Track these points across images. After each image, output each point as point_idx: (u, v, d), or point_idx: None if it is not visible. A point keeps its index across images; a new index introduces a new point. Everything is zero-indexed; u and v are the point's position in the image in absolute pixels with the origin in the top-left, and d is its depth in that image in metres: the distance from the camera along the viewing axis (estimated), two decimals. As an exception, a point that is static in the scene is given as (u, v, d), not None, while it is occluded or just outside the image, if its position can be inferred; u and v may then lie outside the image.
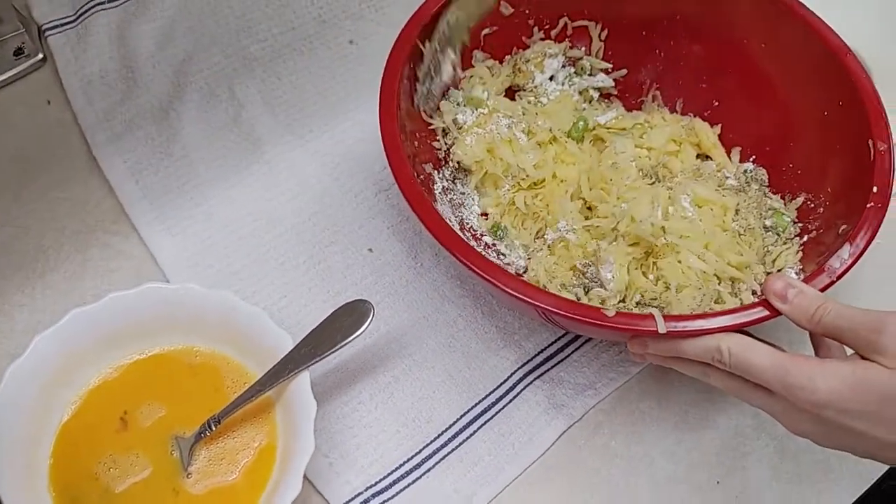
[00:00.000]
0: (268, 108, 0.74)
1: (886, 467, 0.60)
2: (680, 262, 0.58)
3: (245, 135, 0.72)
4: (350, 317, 0.57)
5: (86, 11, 0.74)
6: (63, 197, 0.67)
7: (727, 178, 0.66)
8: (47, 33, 0.73)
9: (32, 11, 0.74)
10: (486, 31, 0.68)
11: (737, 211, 0.63)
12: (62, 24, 0.74)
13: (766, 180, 0.66)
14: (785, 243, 0.61)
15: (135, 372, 0.57)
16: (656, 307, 0.57)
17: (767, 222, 0.63)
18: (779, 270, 0.59)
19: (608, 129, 0.68)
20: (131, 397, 0.56)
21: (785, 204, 0.64)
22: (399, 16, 0.79)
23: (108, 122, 0.70)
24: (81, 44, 0.73)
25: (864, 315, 0.47)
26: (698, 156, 0.68)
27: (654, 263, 0.59)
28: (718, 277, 0.58)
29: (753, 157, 0.68)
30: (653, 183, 0.64)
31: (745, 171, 0.66)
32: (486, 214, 0.66)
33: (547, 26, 0.70)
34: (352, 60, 0.78)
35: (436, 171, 0.65)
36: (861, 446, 0.48)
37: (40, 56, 0.73)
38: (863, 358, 0.47)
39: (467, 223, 0.65)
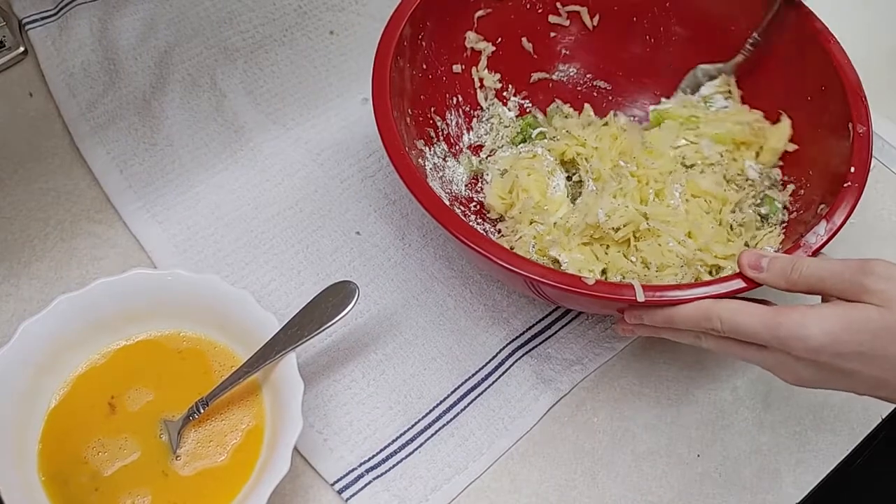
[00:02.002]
0: (250, 98, 0.74)
1: (860, 438, 0.60)
2: (660, 245, 0.59)
3: (228, 123, 0.72)
4: (335, 297, 0.57)
5: (66, 5, 0.74)
6: (47, 188, 0.67)
7: (750, 168, 0.65)
8: (28, 27, 0.73)
9: (13, 5, 0.74)
10: (479, 13, 0.68)
11: (737, 204, 0.63)
12: (43, 18, 0.74)
13: (779, 178, 0.65)
14: (771, 227, 0.62)
15: (122, 357, 0.57)
16: None
17: (763, 210, 0.63)
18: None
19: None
20: (119, 382, 0.56)
21: (777, 190, 0.65)
22: (379, 7, 0.80)
23: (90, 113, 0.70)
24: (63, 37, 0.73)
25: (845, 262, 0.47)
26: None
27: (636, 246, 0.59)
28: (704, 264, 0.59)
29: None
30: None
31: (764, 172, 0.66)
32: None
33: (540, 10, 0.71)
34: (332, 51, 0.78)
35: (427, 148, 0.65)
36: (860, 387, 0.48)
37: (21, 49, 0.73)
38: (849, 301, 0.47)
39: (458, 198, 0.66)
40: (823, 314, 0.46)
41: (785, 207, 0.63)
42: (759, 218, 0.63)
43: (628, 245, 0.60)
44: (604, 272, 0.60)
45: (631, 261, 0.59)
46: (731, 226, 0.63)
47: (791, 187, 0.64)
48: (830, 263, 0.48)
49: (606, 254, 0.60)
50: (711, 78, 0.69)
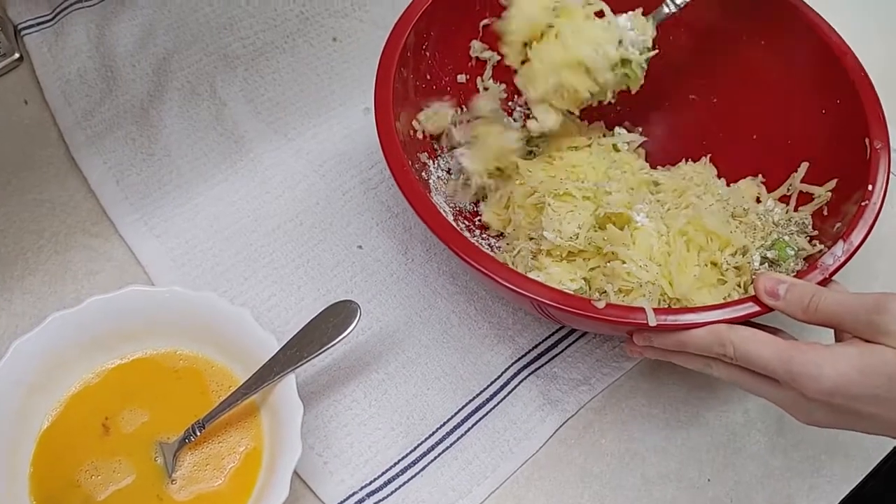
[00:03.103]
0: (251, 107, 0.72)
1: (875, 463, 0.59)
2: (624, 270, 0.56)
3: (228, 133, 0.70)
4: (336, 318, 0.55)
5: (63, 10, 0.73)
6: (41, 199, 0.65)
7: (770, 210, 0.62)
8: (23, 32, 0.72)
9: (8, 10, 0.72)
10: (484, 22, 0.67)
11: (741, 249, 0.58)
12: (38, 24, 0.72)
13: (809, 225, 0.60)
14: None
15: (117, 377, 0.55)
16: None
17: (769, 254, 0.58)
18: None
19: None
20: (113, 402, 0.54)
21: (787, 208, 0.62)
22: (382, 14, 0.79)
23: (87, 122, 0.69)
24: (59, 43, 0.72)
25: (861, 299, 0.46)
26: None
27: (603, 268, 0.58)
28: (664, 294, 0.56)
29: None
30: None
31: (791, 216, 0.62)
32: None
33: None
34: (335, 58, 0.76)
35: (431, 162, 0.64)
36: (874, 428, 0.47)
37: (17, 56, 0.71)
38: (866, 342, 0.45)
39: (462, 212, 0.64)
40: (838, 356, 0.45)
41: (798, 251, 0.58)
42: (765, 261, 0.58)
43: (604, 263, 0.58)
44: (587, 282, 0.58)
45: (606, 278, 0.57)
46: (724, 269, 0.57)
47: (806, 211, 0.60)
48: (847, 299, 0.46)
49: (590, 270, 0.58)
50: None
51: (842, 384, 0.44)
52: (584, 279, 0.58)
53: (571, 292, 0.54)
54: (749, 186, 0.64)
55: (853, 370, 0.44)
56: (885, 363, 0.44)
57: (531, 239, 0.60)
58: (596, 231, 0.58)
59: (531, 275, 0.57)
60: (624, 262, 0.56)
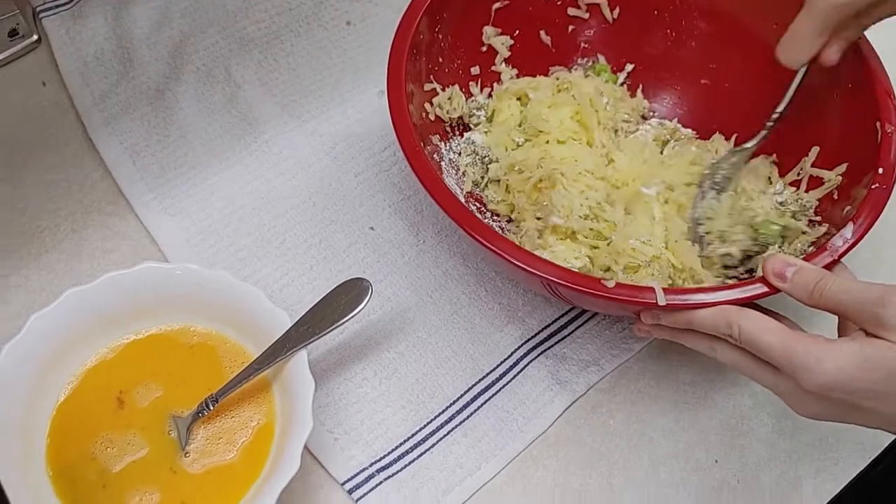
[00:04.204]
0: (265, 90, 0.73)
1: (883, 446, 0.59)
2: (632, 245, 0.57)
3: (242, 115, 0.71)
4: (348, 295, 0.56)
5: (81, -7, 0.74)
6: (59, 178, 0.66)
7: (777, 193, 0.63)
8: (42, 15, 0.72)
9: (27, -7, 0.73)
10: (497, 5, 0.67)
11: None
12: (57, 6, 0.73)
13: (812, 208, 0.61)
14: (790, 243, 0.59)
15: (131, 352, 0.56)
16: None
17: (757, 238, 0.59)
18: None
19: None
20: (128, 377, 0.55)
21: (797, 191, 0.62)
22: (396, -3, 0.79)
23: (104, 103, 0.69)
24: (77, 25, 0.72)
25: (866, 288, 0.46)
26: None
27: (607, 243, 0.58)
28: (671, 266, 0.57)
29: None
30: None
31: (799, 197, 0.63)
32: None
33: (559, 3, 0.69)
34: (349, 42, 0.77)
35: (443, 144, 0.64)
36: (872, 422, 0.47)
37: (35, 37, 0.72)
38: (868, 334, 0.45)
39: (473, 194, 0.64)
40: (840, 351, 0.44)
41: (784, 228, 0.59)
42: (755, 242, 0.59)
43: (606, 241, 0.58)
44: (591, 260, 0.58)
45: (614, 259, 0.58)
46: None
47: (813, 197, 0.61)
48: (853, 288, 0.46)
49: (593, 247, 0.59)
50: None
51: (841, 379, 0.44)
52: (588, 257, 0.58)
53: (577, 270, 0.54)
54: (763, 165, 0.64)
55: (853, 366, 0.44)
56: (885, 358, 0.44)
57: (538, 219, 0.60)
58: (605, 211, 0.59)
59: (538, 253, 0.58)
60: (630, 239, 0.56)
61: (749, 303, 0.50)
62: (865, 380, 0.44)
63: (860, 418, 0.47)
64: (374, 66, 0.75)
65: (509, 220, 0.65)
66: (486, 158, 0.65)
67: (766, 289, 0.50)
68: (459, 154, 0.66)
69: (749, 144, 0.63)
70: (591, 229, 0.58)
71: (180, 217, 0.65)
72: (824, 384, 0.44)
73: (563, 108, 0.65)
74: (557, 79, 0.68)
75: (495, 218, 0.64)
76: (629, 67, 0.71)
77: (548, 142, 0.64)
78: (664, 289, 0.49)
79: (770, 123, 0.61)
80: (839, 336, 0.49)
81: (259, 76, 0.73)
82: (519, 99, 0.67)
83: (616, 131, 0.67)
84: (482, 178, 0.65)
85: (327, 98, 0.73)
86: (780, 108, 0.61)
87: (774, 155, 0.65)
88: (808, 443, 0.59)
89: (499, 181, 0.64)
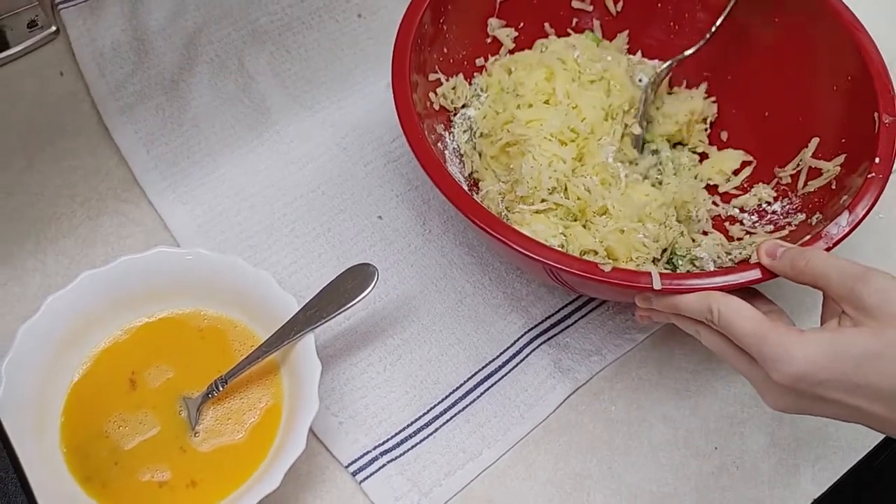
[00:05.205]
0: (277, 80, 0.74)
1: (882, 436, 0.59)
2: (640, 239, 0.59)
3: (255, 105, 0.72)
4: (354, 280, 0.57)
5: (98, -15, 0.75)
6: (75, 165, 0.68)
7: (769, 203, 0.64)
8: (60, 6, 0.74)
9: (46, -16, 0.75)
10: None
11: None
12: (75, -2, 0.75)
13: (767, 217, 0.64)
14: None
15: (144, 334, 0.58)
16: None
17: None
18: None
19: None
20: (140, 359, 0.57)
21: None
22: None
23: (119, 93, 0.71)
24: (94, 16, 0.74)
25: (850, 265, 0.46)
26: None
27: (590, 222, 0.60)
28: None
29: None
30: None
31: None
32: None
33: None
34: (360, 33, 0.78)
35: (447, 133, 0.65)
36: (838, 413, 0.46)
37: (53, 28, 0.74)
38: (841, 324, 0.45)
39: (477, 184, 0.65)
40: (809, 341, 0.44)
41: (688, 253, 0.61)
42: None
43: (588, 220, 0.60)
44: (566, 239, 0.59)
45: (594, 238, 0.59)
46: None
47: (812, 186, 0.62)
48: (838, 263, 0.46)
49: (566, 228, 0.60)
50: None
51: (809, 371, 0.43)
52: (563, 234, 0.59)
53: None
54: (733, 158, 0.66)
55: (821, 356, 0.43)
56: (854, 345, 0.43)
57: (503, 182, 0.61)
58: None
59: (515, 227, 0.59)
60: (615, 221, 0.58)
61: (746, 289, 0.50)
62: (833, 370, 0.43)
63: (826, 410, 0.46)
64: (385, 59, 0.74)
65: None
66: (477, 133, 0.66)
67: (759, 275, 0.50)
68: (461, 132, 0.67)
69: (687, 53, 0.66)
70: (557, 204, 0.59)
71: (193, 204, 0.66)
72: (792, 374, 0.44)
73: (537, 71, 0.66)
74: (542, 50, 0.69)
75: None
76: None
77: (518, 106, 0.64)
78: (661, 274, 0.50)
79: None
80: (822, 321, 0.49)
81: (271, 67, 0.75)
82: (509, 72, 0.69)
83: (593, 81, 0.67)
84: (474, 149, 0.66)
85: (338, 89, 0.74)
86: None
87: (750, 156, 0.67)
88: (808, 431, 0.60)
89: (481, 154, 0.65)
